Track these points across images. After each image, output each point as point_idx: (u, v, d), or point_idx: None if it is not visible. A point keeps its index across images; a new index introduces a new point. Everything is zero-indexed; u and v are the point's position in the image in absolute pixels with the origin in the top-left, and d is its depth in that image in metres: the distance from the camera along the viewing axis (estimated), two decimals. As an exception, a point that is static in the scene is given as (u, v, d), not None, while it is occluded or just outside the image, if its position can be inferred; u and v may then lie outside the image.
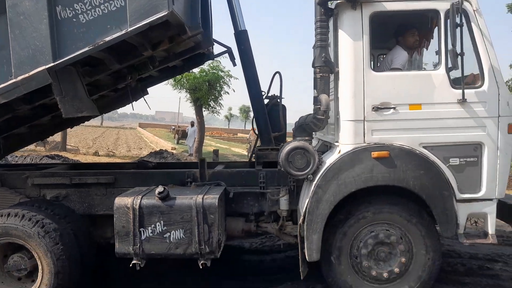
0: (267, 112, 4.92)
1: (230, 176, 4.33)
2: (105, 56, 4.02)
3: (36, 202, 4.01)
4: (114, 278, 4.53)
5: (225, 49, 5.44)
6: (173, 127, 40.90)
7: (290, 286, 4.23)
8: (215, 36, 5.41)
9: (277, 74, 5.02)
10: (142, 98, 6.02)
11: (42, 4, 3.41)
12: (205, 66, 15.94)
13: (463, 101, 3.67)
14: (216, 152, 5.96)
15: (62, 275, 3.68)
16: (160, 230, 3.63)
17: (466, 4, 3.65)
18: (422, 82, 3.75)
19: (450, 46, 3.55)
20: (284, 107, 5.05)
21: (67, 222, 3.88)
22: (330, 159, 3.83)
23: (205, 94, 16.49)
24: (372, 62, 5.19)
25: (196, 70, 15.76)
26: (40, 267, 3.69)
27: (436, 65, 3.92)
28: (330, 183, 3.73)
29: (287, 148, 3.88)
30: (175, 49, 4.78)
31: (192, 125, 21.18)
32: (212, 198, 3.70)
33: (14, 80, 3.49)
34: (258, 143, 4.94)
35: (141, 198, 3.65)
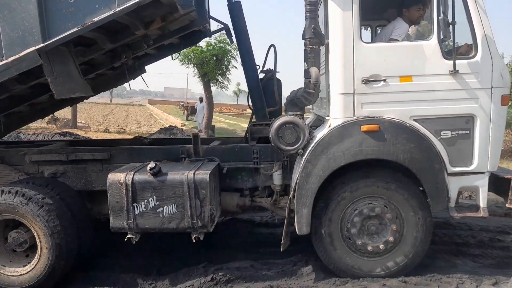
0: (262, 87, 4.90)
1: (224, 152, 4.36)
2: (97, 36, 4.01)
3: (33, 179, 4.12)
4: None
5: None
6: (181, 103, 40.99)
7: (300, 258, 4.29)
8: (213, 11, 5.37)
9: (272, 47, 4.96)
10: (140, 76, 6.06)
11: (30, -17, 3.39)
12: (212, 39, 15.84)
13: (455, 72, 3.61)
14: (212, 128, 5.99)
15: (59, 249, 3.78)
16: (153, 205, 3.71)
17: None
18: (413, 53, 3.69)
19: (441, 15, 3.47)
20: (279, 81, 4.99)
21: (63, 198, 3.98)
22: (320, 134, 3.84)
23: (212, 69, 16.41)
24: (372, 34, 5.13)
25: (203, 44, 15.67)
26: (38, 242, 3.81)
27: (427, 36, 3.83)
28: (319, 158, 3.75)
29: (277, 123, 3.88)
30: (169, 27, 4.74)
31: (201, 101, 21.20)
32: (203, 173, 3.75)
33: (5, 61, 3.49)
34: (254, 119, 4.95)
35: (134, 173, 3.72)
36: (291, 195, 3.88)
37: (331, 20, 3.75)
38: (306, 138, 3.84)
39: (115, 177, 3.72)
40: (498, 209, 5.89)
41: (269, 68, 5.01)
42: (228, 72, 17.26)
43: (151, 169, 3.69)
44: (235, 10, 4.91)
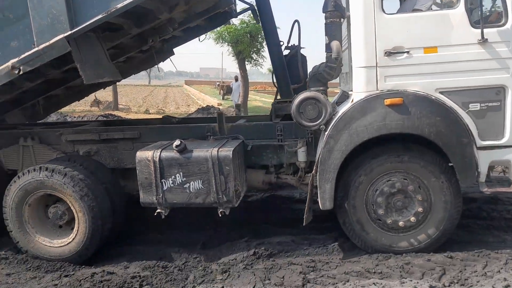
0: (286, 64, 4.88)
1: (248, 129, 4.43)
2: (122, 21, 4.12)
3: (70, 157, 4.39)
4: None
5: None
6: (217, 83, 41.22)
7: (341, 233, 4.20)
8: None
9: (296, 23, 4.91)
10: (169, 58, 6.20)
11: (57, -29, 3.50)
12: (246, 17, 15.73)
13: (483, 41, 3.45)
14: (238, 106, 6.07)
15: (92, 211, 4.00)
16: (180, 181, 3.85)
17: None
18: (438, 23, 3.55)
19: None
20: (304, 58, 4.95)
21: (97, 175, 4.22)
22: (343, 109, 3.81)
23: (247, 47, 16.36)
24: (399, 3, 4.94)
25: (236, 22, 15.60)
26: (73, 209, 4.07)
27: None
28: (341, 133, 3.73)
29: (298, 98, 3.89)
30: (193, 9, 4.81)
31: (236, 79, 21.24)
32: (227, 150, 3.84)
33: (36, 49, 3.66)
34: (279, 96, 4.96)
35: (161, 151, 3.88)
36: (314, 171, 3.91)
37: None
38: (329, 114, 3.83)
39: (143, 154, 3.89)
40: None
41: (294, 44, 4.98)
42: (262, 49, 17.15)
43: (176, 146, 3.82)
44: None
